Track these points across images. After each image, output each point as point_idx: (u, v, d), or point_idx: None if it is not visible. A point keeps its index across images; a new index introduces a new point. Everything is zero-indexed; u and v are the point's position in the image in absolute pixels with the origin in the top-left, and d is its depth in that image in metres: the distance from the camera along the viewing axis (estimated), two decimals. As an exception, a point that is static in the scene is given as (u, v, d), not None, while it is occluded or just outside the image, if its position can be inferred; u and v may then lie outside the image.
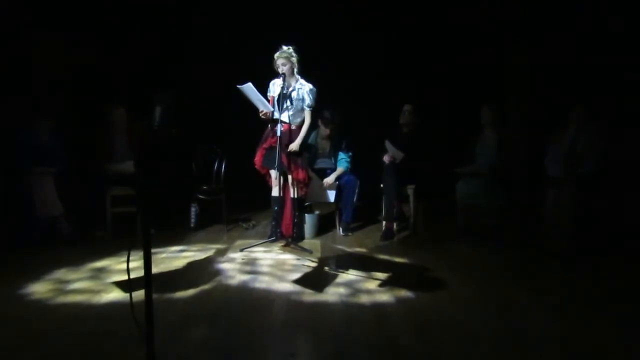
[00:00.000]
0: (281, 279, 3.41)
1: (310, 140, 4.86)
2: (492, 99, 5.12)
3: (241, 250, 4.14)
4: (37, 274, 3.40)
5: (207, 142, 5.27)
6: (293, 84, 4.26)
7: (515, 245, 4.34)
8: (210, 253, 4.14)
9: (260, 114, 4.20)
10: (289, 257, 3.99)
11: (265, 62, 4.29)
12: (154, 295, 1.82)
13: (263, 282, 3.32)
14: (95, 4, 5.57)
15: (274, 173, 4.36)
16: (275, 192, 4.41)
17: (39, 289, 3.12)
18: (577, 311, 2.82)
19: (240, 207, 6.00)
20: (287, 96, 4.20)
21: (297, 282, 3.34)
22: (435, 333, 2.48)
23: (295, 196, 4.39)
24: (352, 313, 2.76)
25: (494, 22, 6.02)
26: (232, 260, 3.91)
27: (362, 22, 6.48)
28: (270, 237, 4.45)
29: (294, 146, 4.23)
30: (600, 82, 4.75)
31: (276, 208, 4.37)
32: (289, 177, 4.36)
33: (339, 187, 4.97)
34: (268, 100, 4.22)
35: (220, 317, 2.70)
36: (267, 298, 3.01)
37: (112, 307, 2.80)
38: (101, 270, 3.58)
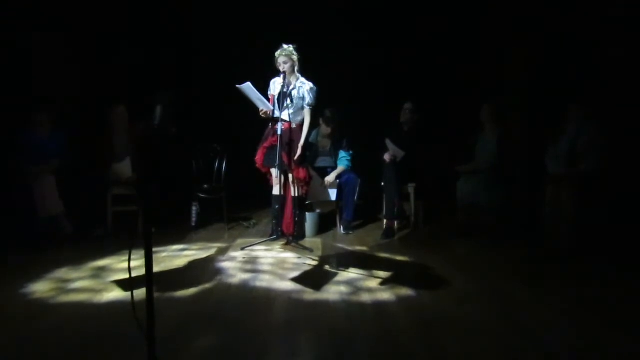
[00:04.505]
0: (282, 277, 3.41)
1: (311, 139, 4.86)
2: (492, 97, 5.12)
3: (242, 249, 4.14)
4: (38, 273, 3.40)
5: (208, 140, 5.27)
6: (294, 82, 4.25)
7: (515, 244, 4.34)
8: (211, 252, 4.15)
9: (260, 113, 4.20)
10: (289, 256, 3.99)
11: (266, 61, 4.29)
12: (155, 294, 1.82)
13: (264, 281, 3.32)
14: (95, 4, 5.57)
15: (274, 172, 4.36)
16: (276, 190, 4.41)
17: (40, 288, 3.12)
18: (577, 309, 2.82)
19: (241, 205, 6.00)
20: (288, 95, 4.20)
21: (298, 280, 3.34)
22: (436, 331, 2.48)
23: (296, 195, 4.39)
24: (353, 311, 2.76)
25: (494, 21, 6.02)
26: (233, 259, 3.92)
27: (363, 21, 6.47)
28: (271, 235, 4.45)
29: (299, 151, 4.23)
30: (600, 80, 4.74)
31: (277, 207, 4.37)
32: (290, 175, 4.36)
33: (339, 185, 4.97)
34: (268, 99, 4.22)
35: (221, 316, 2.70)
36: (268, 297, 3.01)
37: (113, 306, 2.81)
38: (102, 269, 3.58)
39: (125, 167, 4.70)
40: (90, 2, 5.55)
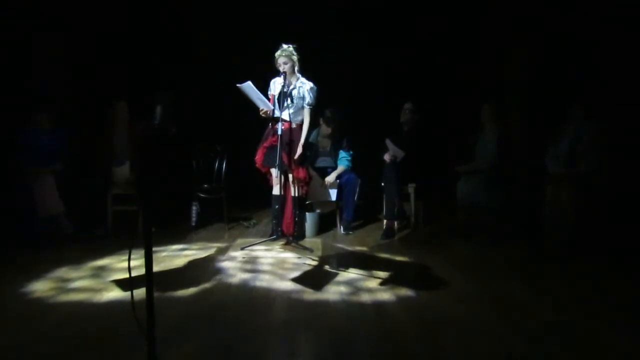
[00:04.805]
0: (282, 277, 3.41)
1: (311, 139, 4.87)
2: (492, 97, 5.12)
3: (242, 249, 4.14)
4: (38, 273, 3.40)
5: (208, 140, 5.27)
6: (294, 82, 4.26)
7: (515, 244, 4.34)
8: (211, 251, 4.15)
9: (261, 113, 4.20)
10: (289, 256, 3.99)
11: (266, 61, 4.29)
12: (155, 294, 1.82)
13: (264, 281, 3.32)
14: (95, 4, 5.57)
15: (274, 171, 4.36)
16: (276, 190, 4.41)
17: (40, 287, 3.12)
18: (576, 309, 2.81)
19: (241, 205, 6.01)
20: (288, 94, 4.20)
21: (297, 280, 3.34)
22: (436, 331, 2.48)
23: (296, 195, 4.40)
24: (353, 311, 2.76)
25: (494, 21, 6.02)
26: (232, 258, 3.92)
27: (363, 21, 6.47)
28: (271, 235, 4.45)
29: (299, 150, 4.23)
30: (600, 80, 4.74)
31: (277, 206, 4.37)
32: (290, 175, 4.36)
33: (339, 185, 4.97)
34: (268, 99, 4.22)
35: (221, 315, 2.70)
36: (267, 297, 3.01)
37: (113, 306, 2.81)
38: (102, 268, 3.58)
39: (124, 170, 4.70)
40: (90, 2, 5.55)
